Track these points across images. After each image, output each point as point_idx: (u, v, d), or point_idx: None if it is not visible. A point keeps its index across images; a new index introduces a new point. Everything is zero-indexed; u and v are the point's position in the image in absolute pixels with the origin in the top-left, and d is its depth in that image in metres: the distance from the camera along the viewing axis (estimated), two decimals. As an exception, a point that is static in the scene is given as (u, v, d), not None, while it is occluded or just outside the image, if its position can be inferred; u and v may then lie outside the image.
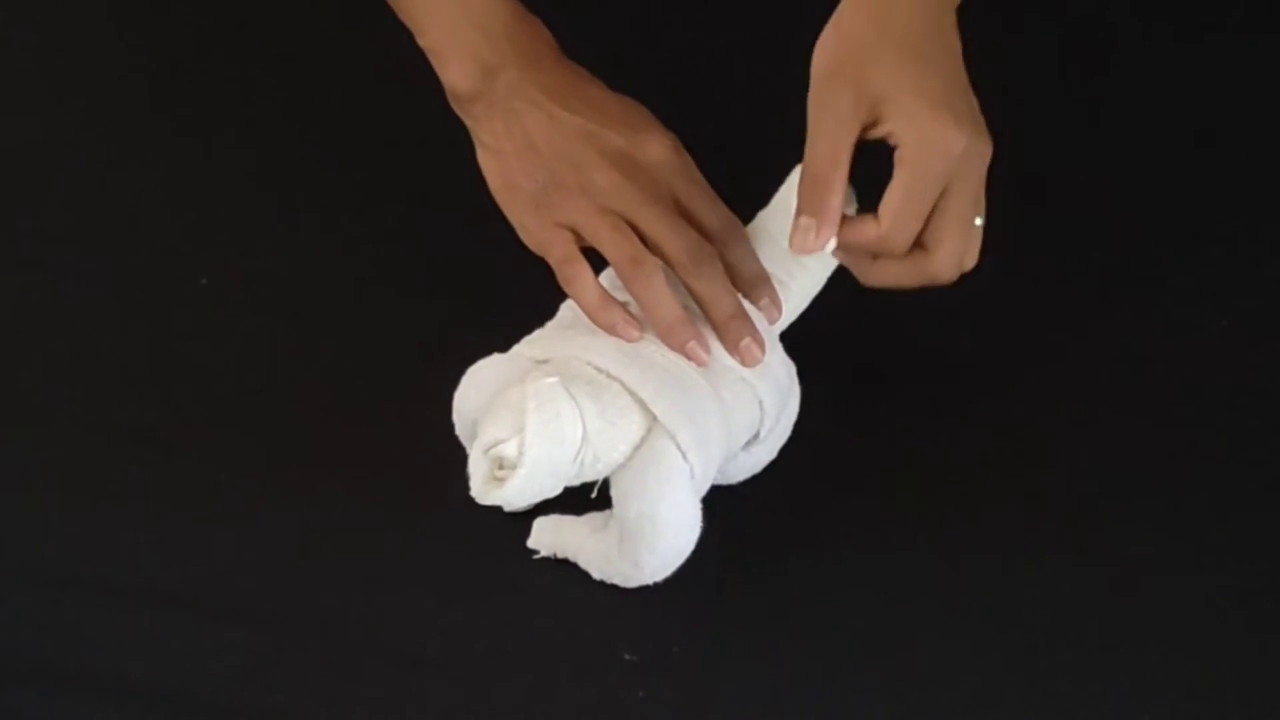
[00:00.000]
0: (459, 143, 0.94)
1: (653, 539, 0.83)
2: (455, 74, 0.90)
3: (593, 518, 0.87)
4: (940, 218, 0.84)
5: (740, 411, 0.86)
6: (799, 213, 0.85)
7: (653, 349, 0.86)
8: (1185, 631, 0.86)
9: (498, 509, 0.88)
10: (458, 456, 0.86)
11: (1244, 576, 0.88)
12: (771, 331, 0.88)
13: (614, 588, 0.86)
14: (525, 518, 0.89)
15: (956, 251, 0.85)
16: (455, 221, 0.99)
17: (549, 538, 0.88)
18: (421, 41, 0.92)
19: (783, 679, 0.85)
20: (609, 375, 0.84)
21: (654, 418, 0.84)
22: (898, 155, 0.83)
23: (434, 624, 0.86)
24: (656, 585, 0.86)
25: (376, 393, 0.94)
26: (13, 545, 0.89)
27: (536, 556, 0.88)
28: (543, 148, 0.89)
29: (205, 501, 0.91)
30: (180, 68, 1.13)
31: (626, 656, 0.85)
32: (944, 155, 0.82)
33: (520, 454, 0.82)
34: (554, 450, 0.82)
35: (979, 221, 0.86)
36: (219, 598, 0.87)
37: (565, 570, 0.87)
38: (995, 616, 0.86)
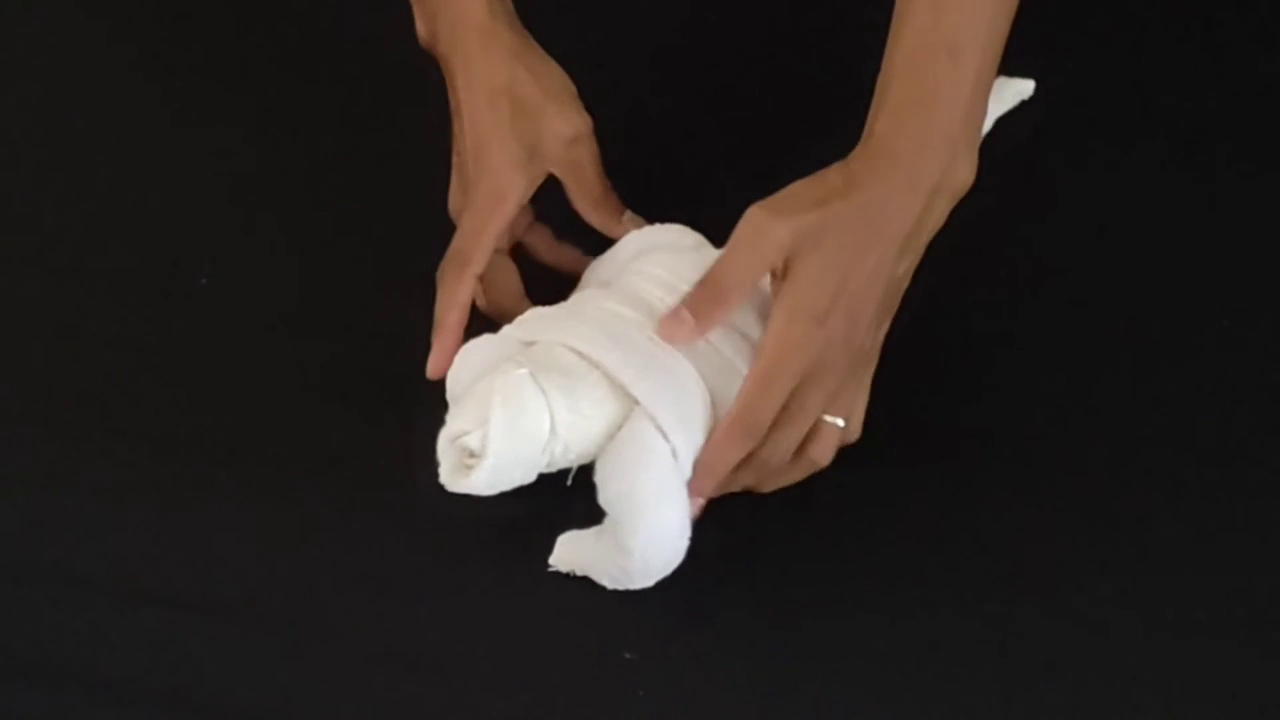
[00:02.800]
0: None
1: (633, 518, 0.83)
2: (416, 26, 0.95)
3: (599, 527, 0.86)
4: (786, 406, 0.85)
5: (732, 377, 0.86)
6: (684, 301, 0.85)
7: (634, 331, 0.86)
8: (1185, 632, 0.86)
9: (494, 506, 0.88)
10: (458, 456, 0.86)
11: (1244, 577, 0.88)
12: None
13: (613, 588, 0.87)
14: (524, 517, 0.89)
15: (790, 439, 0.85)
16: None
17: (568, 554, 0.88)
18: None
19: (783, 679, 0.85)
20: (590, 361, 0.84)
21: (634, 402, 0.84)
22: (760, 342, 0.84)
23: (434, 624, 0.87)
24: (657, 585, 0.86)
25: (376, 392, 0.94)
26: (13, 545, 0.90)
27: (551, 570, 0.87)
28: (460, 123, 0.93)
29: (204, 501, 0.91)
30: (181, 68, 1.13)
31: (626, 656, 0.85)
32: (798, 351, 0.83)
33: (484, 446, 0.82)
34: (518, 445, 0.82)
35: (839, 422, 0.86)
36: (218, 597, 0.87)
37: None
38: (996, 616, 0.86)
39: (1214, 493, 0.91)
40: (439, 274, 0.92)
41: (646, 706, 0.83)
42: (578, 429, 0.84)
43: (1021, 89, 0.97)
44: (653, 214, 0.95)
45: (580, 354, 0.85)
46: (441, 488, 0.85)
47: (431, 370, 0.90)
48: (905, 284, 0.86)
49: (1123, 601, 0.87)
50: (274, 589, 0.87)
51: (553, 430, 0.83)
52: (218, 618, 0.86)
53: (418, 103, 0.97)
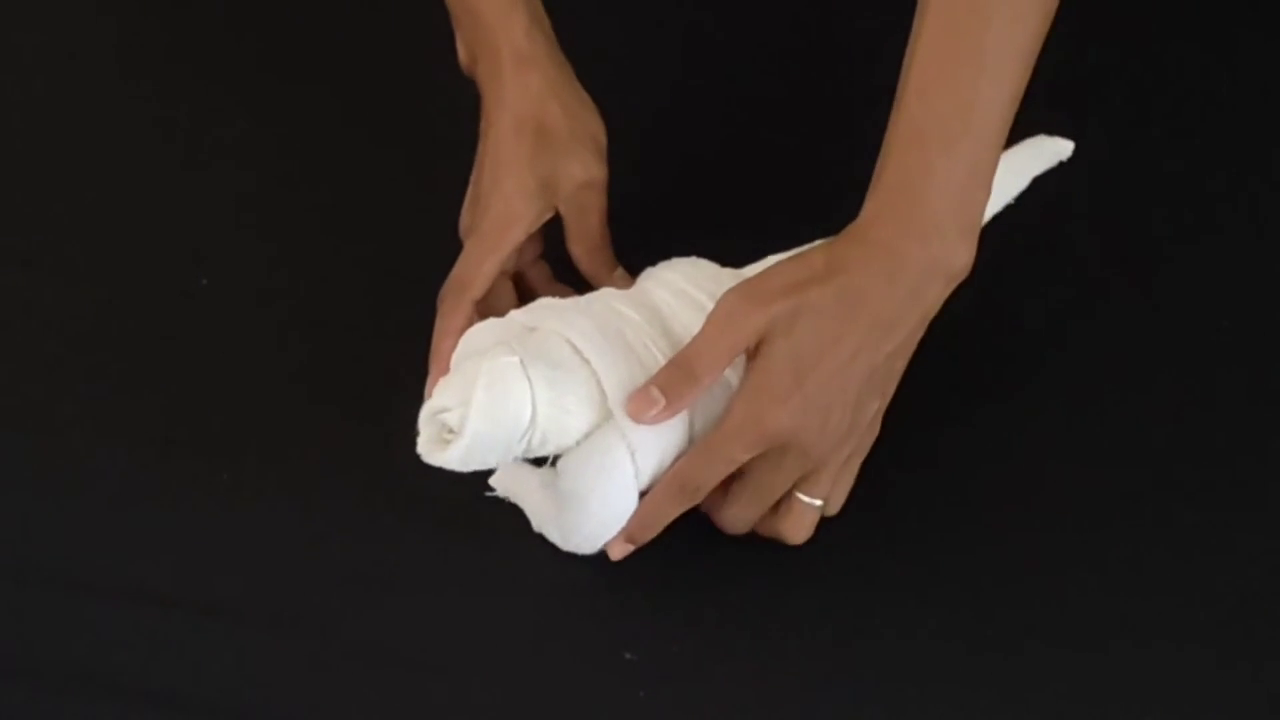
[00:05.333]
0: (461, 144, 0.94)
1: (577, 520, 0.85)
2: (458, 51, 0.95)
3: (546, 472, 0.87)
4: (740, 479, 0.85)
5: (715, 406, 0.86)
6: (655, 380, 0.84)
7: (632, 334, 0.86)
8: (1184, 632, 0.86)
9: (494, 505, 0.88)
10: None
11: (1245, 577, 0.88)
12: None
13: (614, 587, 0.87)
14: (524, 517, 0.89)
15: (743, 515, 0.86)
16: (457, 221, 0.99)
17: (507, 483, 0.89)
18: None
19: (782, 679, 0.85)
20: (583, 356, 0.85)
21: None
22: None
23: (434, 624, 0.87)
24: (657, 585, 0.86)
25: (377, 392, 0.94)
26: (13, 545, 0.90)
27: (489, 494, 0.88)
28: (484, 143, 0.93)
29: (205, 501, 0.91)
30: (182, 68, 1.13)
31: (627, 656, 0.85)
32: (752, 428, 0.83)
33: (462, 425, 0.82)
34: (496, 428, 0.83)
35: (816, 503, 0.87)
36: (218, 597, 0.87)
37: (566, 570, 0.87)
38: (995, 617, 0.86)
39: (1214, 494, 0.91)
40: (439, 298, 0.92)
41: (647, 707, 0.83)
42: (557, 422, 0.84)
43: (1060, 149, 0.94)
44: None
45: (575, 348, 0.85)
46: (439, 488, 0.86)
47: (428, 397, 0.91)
48: (899, 365, 0.86)
49: (1121, 602, 0.87)
50: (274, 589, 0.88)
51: (533, 420, 0.83)
52: (218, 618, 0.86)
53: (420, 103, 0.98)
